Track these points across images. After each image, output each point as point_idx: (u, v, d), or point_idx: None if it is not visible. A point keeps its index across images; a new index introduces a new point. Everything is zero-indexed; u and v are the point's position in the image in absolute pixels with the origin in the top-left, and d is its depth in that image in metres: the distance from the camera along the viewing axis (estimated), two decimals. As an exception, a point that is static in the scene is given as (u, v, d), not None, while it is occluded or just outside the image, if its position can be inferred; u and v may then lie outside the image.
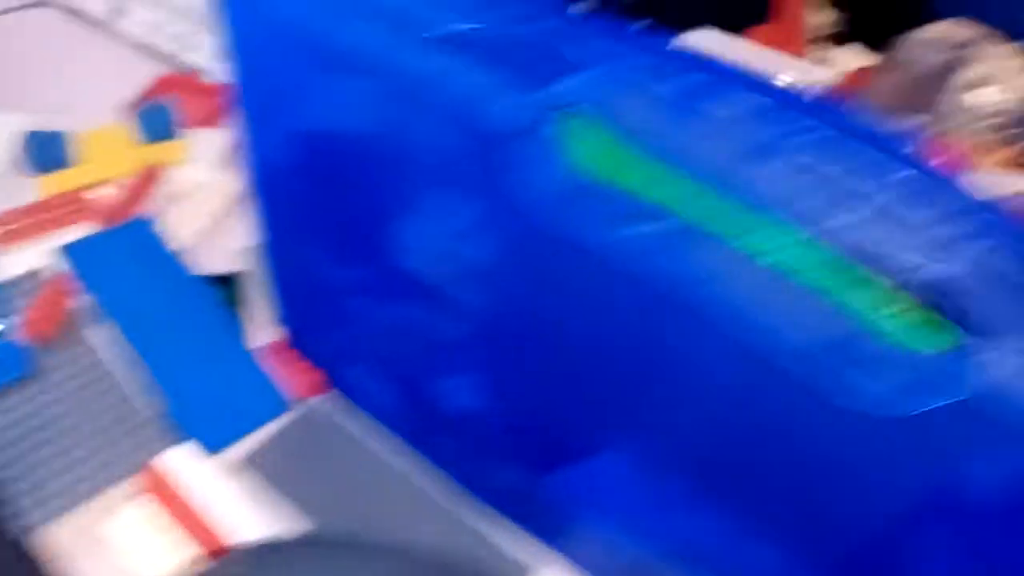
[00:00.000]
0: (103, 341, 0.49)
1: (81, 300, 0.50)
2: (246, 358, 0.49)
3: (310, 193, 0.40)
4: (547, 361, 0.35)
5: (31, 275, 0.51)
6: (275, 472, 0.46)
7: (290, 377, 0.49)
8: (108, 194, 0.56)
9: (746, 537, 0.33)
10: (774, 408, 0.26)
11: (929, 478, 0.24)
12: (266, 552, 0.30)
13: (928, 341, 0.23)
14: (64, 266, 0.51)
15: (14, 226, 0.53)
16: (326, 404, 0.49)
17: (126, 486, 0.44)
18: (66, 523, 0.42)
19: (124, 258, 0.52)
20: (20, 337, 0.47)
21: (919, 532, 0.26)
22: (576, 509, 0.42)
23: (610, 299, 0.28)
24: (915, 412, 0.22)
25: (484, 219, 0.31)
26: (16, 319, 0.48)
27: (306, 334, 0.49)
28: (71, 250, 0.51)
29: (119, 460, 0.44)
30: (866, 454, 0.25)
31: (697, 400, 0.28)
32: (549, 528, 0.45)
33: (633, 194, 0.26)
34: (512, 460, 0.42)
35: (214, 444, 0.46)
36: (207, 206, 0.56)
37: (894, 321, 0.24)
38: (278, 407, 0.48)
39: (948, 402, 0.22)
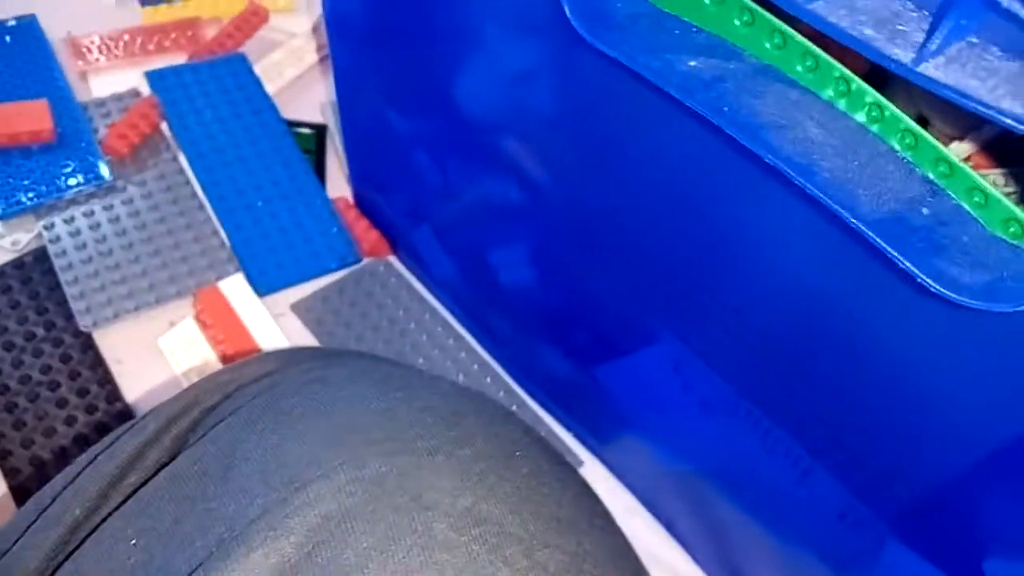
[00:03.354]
0: (180, 168, 0.49)
1: (164, 126, 0.51)
2: (319, 208, 0.49)
3: (379, 40, 0.39)
4: (603, 232, 0.32)
5: (124, 96, 0.51)
6: (322, 323, 0.46)
7: (354, 234, 0.49)
8: (210, 29, 0.56)
9: (796, 453, 0.30)
10: (847, 295, 0.23)
11: (1013, 391, 0.21)
12: (306, 351, 0.29)
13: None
14: (152, 92, 0.51)
15: (116, 50, 0.53)
16: (383, 266, 0.48)
17: (184, 304, 0.45)
18: (127, 327, 0.44)
19: (212, 92, 0.52)
20: (104, 149, 0.48)
21: (1006, 457, 0.23)
22: (623, 409, 0.40)
23: (671, 153, 0.25)
24: (1017, 309, 0.19)
25: (548, 59, 0.28)
26: (104, 133, 0.49)
27: (373, 194, 0.48)
28: (156, 77, 0.52)
29: (181, 278, 0.45)
30: (952, 358, 0.22)
31: (756, 280, 0.26)
32: (596, 429, 0.43)
33: (701, 27, 0.24)
34: (563, 346, 0.41)
35: (270, 283, 0.46)
36: (302, 56, 0.56)
37: (987, 211, 0.21)
38: (342, 259, 0.48)
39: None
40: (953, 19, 0.18)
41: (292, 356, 0.28)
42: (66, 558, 0.23)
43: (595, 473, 0.43)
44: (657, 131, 0.25)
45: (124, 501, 0.24)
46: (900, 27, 0.18)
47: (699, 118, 0.22)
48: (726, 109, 0.22)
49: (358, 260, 0.48)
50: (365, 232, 0.49)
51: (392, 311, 0.47)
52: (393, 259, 0.49)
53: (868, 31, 0.18)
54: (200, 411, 0.26)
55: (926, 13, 0.19)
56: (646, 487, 0.42)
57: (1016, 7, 0.17)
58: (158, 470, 0.24)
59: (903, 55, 0.18)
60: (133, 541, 0.22)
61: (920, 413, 0.24)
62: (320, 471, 0.22)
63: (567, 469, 0.28)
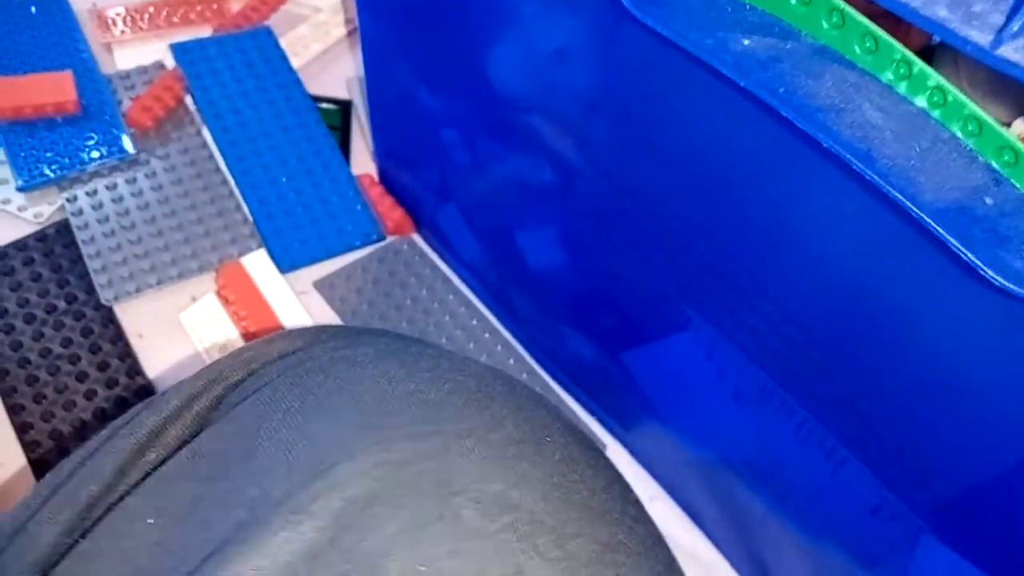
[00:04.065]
0: (203, 142, 0.48)
1: (189, 99, 0.50)
2: (344, 185, 0.48)
3: (410, 12, 0.38)
4: (638, 216, 0.32)
5: (148, 68, 0.51)
6: (345, 301, 0.45)
7: (378, 212, 0.48)
8: (236, 2, 0.55)
9: (830, 444, 0.30)
10: (900, 286, 0.23)
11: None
12: (331, 329, 0.29)
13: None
14: (177, 64, 0.51)
15: (141, 22, 0.53)
16: (407, 245, 0.48)
17: (206, 279, 0.44)
18: (149, 301, 0.43)
19: (237, 66, 0.51)
20: (128, 122, 0.48)
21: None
22: (650, 396, 0.39)
23: (721, 134, 0.25)
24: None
25: (591, 35, 0.28)
26: (129, 105, 0.48)
27: (398, 171, 0.48)
28: (181, 50, 0.51)
29: (203, 253, 0.44)
30: (1008, 353, 0.21)
31: (802, 267, 0.25)
32: (621, 414, 0.43)
33: (755, 5, 0.23)
34: (589, 330, 0.40)
35: (293, 260, 0.46)
36: (328, 30, 0.55)
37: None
38: (366, 237, 0.47)
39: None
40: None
41: (318, 334, 0.28)
42: (82, 535, 0.23)
43: (618, 459, 0.43)
44: (707, 112, 0.24)
45: (143, 479, 0.23)
46: (975, 8, 0.17)
47: (753, 99, 0.21)
48: (782, 90, 0.21)
49: (382, 238, 0.48)
50: (390, 210, 0.48)
51: (415, 290, 0.46)
52: (417, 237, 0.48)
53: (942, 12, 0.17)
54: (223, 388, 0.25)
55: (1001, -6, 0.18)
56: (671, 475, 0.42)
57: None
58: (179, 448, 0.24)
59: (980, 37, 0.17)
60: (150, 520, 0.22)
61: (965, 408, 0.23)
62: (345, 453, 0.22)
63: (598, 455, 0.27)
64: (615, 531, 0.24)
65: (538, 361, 0.45)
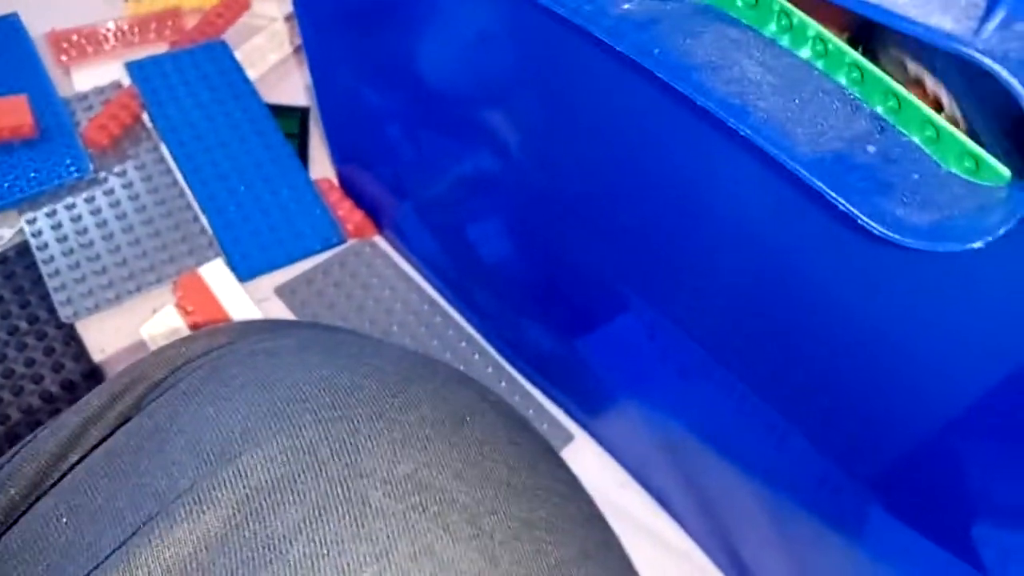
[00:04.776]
0: (161, 157, 0.49)
1: (145, 116, 0.50)
2: (302, 190, 0.48)
3: (344, 16, 0.38)
4: (569, 198, 0.31)
5: (106, 88, 0.51)
6: (307, 305, 0.45)
7: (338, 216, 0.48)
8: (192, 18, 0.55)
9: (772, 418, 0.29)
10: (795, 245, 0.22)
11: (981, 339, 0.20)
12: (258, 323, 0.28)
13: (984, 172, 0.19)
14: (133, 82, 0.51)
15: (98, 44, 0.53)
16: (369, 247, 0.48)
17: (166, 291, 0.44)
18: (110, 317, 0.44)
19: (192, 80, 0.51)
20: (85, 142, 0.48)
21: (979, 411, 0.22)
22: (605, 381, 0.39)
23: (615, 107, 0.24)
24: (966, 248, 0.18)
25: (498, 20, 0.27)
26: (85, 126, 0.49)
27: (355, 173, 0.48)
28: (136, 68, 0.51)
29: (161, 266, 0.45)
30: (905, 305, 0.21)
31: (713, 235, 0.25)
32: (584, 402, 0.42)
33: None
34: (544, 319, 0.40)
35: (253, 268, 0.46)
36: (283, 40, 0.55)
37: (940, 146, 0.19)
38: (326, 241, 0.47)
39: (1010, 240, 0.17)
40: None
41: (244, 329, 0.27)
42: None
43: (586, 448, 0.42)
44: (598, 84, 0.24)
45: (61, 479, 0.23)
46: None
47: (633, 65, 0.21)
48: (657, 51, 0.20)
49: (343, 241, 0.47)
50: (349, 213, 0.48)
51: (378, 291, 0.46)
52: (378, 239, 0.48)
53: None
54: (146, 387, 0.25)
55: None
56: (637, 460, 0.41)
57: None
58: (97, 447, 0.24)
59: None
60: (64, 520, 0.22)
61: (881, 368, 0.23)
62: (253, 441, 0.21)
63: (527, 435, 0.27)
64: (536, 508, 0.24)
65: (502, 354, 0.45)
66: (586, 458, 0.42)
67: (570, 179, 0.31)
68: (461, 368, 0.42)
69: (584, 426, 0.43)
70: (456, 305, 0.46)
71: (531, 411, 0.43)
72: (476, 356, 0.45)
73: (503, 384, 0.44)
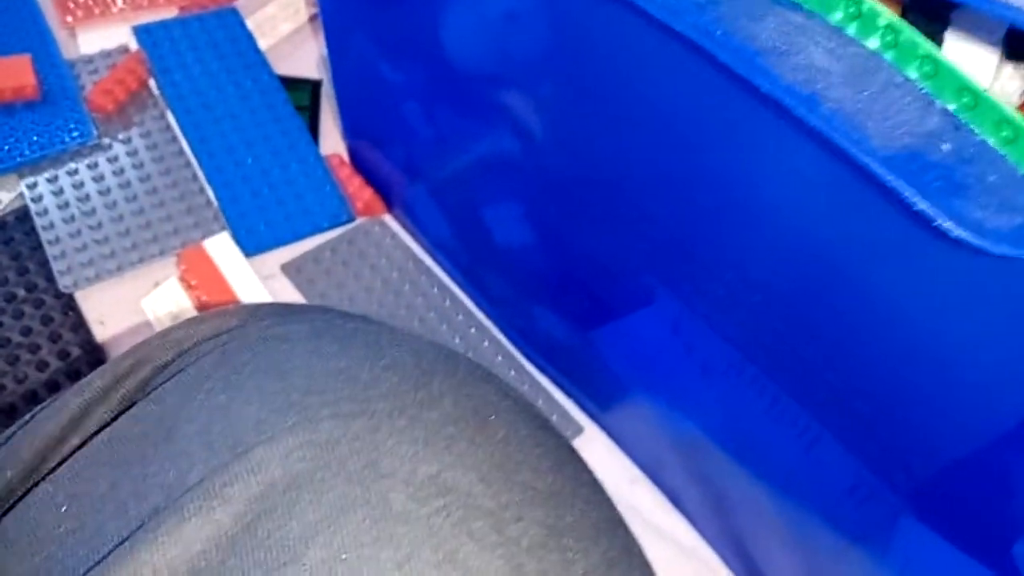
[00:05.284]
0: (167, 125, 0.47)
1: (152, 82, 0.49)
2: (312, 166, 0.47)
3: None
4: (596, 184, 0.30)
5: (112, 52, 0.49)
6: (314, 283, 0.44)
7: (348, 193, 0.47)
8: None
9: (804, 421, 0.28)
10: (856, 244, 0.21)
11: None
12: (268, 307, 0.27)
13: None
14: (140, 47, 0.49)
15: (105, 5, 0.51)
16: (378, 226, 0.46)
17: (169, 264, 0.43)
18: (110, 288, 0.42)
19: (202, 47, 0.50)
20: (89, 106, 0.46)
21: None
22: (621, 374, 0.38)
23: (664, 89, 0.23)
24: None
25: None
26: (90, 90, 0.47)
27: (367, 150, 0.46)
28: (144, 32, 0.50)
29: (165, 238, 0.43)
30: (974, 312, 0.20)
31: (758, 229, 0.23)
32: (596, 394, 0.41)
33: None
34: (560, 308, 0.39)
35: (259, 243, 0.44)
36: (297, 9, 0.54)
37: (1017, 147, 0.18)
38: (335, 218, 0.46)
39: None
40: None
41: (254, 312, 0.26)
42: None
43: (596, 441, 0.41)
44: (648, 65, 0.23)
45: (61, 464, 0.22)
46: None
47: (691, 45, 0.20)
48: (719, 33, 0.19)
49: (352, 219, 0.46)
50: (359, 190, 0.47)
51: (386, 272, 0.45)
52: (388, 218, 0.47)
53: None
54: (151, 369, 0.24)
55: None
56: (649, 456, 0.40)
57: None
58: (100, 431, 0.23)
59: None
60: (64, 508, 0.20)
61: (937, 375, 0.22)
62: (267, 434, 0.20)
63: (550, 435, 0.25)
64: (563, 514, 0.23)
65: (513, 342, 0.44)
66: (596, 451, 0.41)
67: (599, 163, 0.30)
68: (471, 356, 0.41)
69: (595, 419, 0.42)
70: (466, 289, 0.45)
71: (540, 401, 0.42)
72: (486, 343, 0.44)
73: (512, 372, 0.43)
